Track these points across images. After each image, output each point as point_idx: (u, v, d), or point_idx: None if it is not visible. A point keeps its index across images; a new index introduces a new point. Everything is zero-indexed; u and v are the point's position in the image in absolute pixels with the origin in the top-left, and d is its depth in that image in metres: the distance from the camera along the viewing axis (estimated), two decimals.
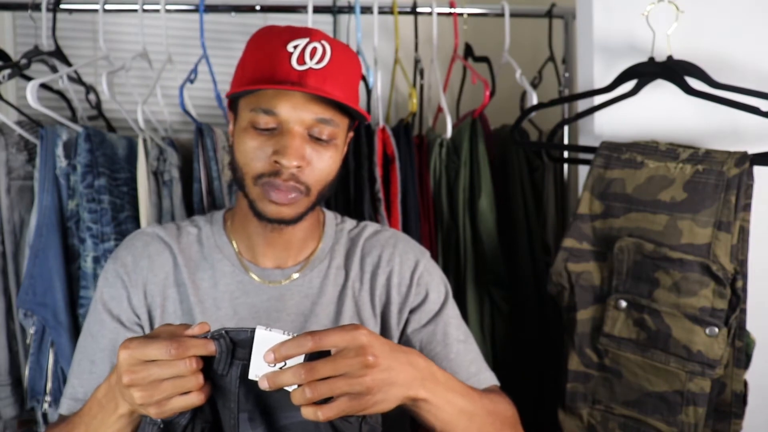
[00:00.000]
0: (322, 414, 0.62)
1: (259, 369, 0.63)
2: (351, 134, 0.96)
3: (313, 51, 0.83)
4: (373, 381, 0.64)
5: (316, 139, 0.86)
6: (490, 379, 0.96)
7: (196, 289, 0.92)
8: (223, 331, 0.64)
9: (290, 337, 0.63)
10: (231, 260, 0.94)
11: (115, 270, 0.93)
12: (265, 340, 0.64)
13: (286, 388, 0.63)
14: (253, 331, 0.64)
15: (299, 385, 0.62)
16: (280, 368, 0.63)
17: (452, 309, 0.99)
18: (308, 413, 0.62)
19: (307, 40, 0.84)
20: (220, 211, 1.01)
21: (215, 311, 0.91)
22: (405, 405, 0.72)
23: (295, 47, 0.83)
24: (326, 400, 0.63)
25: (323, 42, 0.85)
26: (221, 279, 0.93)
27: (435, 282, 0.99)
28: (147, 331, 0.92)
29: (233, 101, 0.91)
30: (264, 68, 0.84)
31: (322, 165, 0.86)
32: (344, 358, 0.63)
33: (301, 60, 0.83)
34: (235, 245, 0.96)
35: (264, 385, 0.62)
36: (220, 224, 0.98)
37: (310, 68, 0.83)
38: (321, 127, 0.85)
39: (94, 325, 0.92)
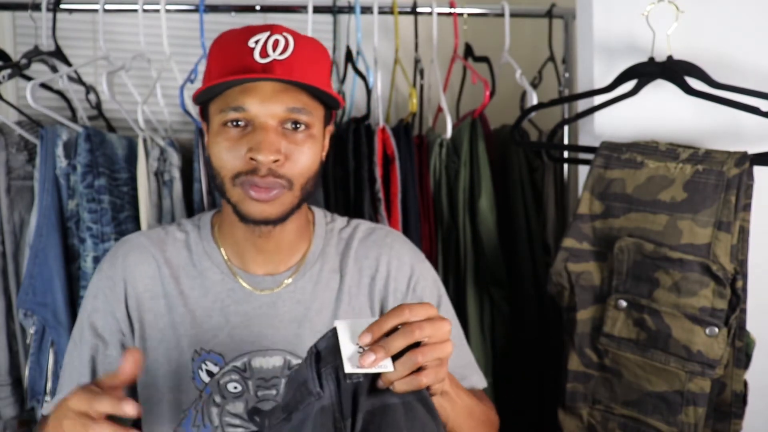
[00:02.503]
0: (426, 379, 0.63)
1: (352, 359, 0.62)
2: (331, 128, 0.93)
3: (276, 43, 0.81)
4: (450, 349, 0.65)
5: (291, 132, 0.83)
6: (479, 382, 0.98)
7: (185, 298, 0.90)
8: (312, 347, 0.65)
9: (373, 318, 0.64)
10: (220, 268, 0.92)
11: (99, 282, 0.92)
12: (347, 330, 0.63)
13: (379, 370, 0.62)
14: (333, 331, 0.64)
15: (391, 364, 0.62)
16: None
17: (445, 314, 0.97)
18: (411, 381, 0.62)
19: (267, 33, 0.81)
20: (208, 214, 0.98)
21: (207, 320, 0.89)
22: None
23: (257, 42, 0.81)
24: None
25: (285, 34, 0.82)
26: (211, 288, 0.91)
27: (429, 288, 0.97)
28: (131, 344, 0.91)
29: (205, 109, 0.88)
30: (227, 66, 0.81)
31: (302, 158, 0.83)
32: (438, 320, 0.64)
33: (263, 53, 0.80)
34: (223, 252, 0.93)
35: (370, 359, 0.60)
36: (208, 229, 0.95)
37: (274, 60, 0.80)
38: (294, 117, 0.82)
39: (78, 334, 0.92)
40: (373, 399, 0.63)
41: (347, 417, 0.63)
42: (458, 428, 0.82)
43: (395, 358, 0.62)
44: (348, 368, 0.61)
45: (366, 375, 0.63)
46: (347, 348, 0.62)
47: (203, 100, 0.86)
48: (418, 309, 0.64)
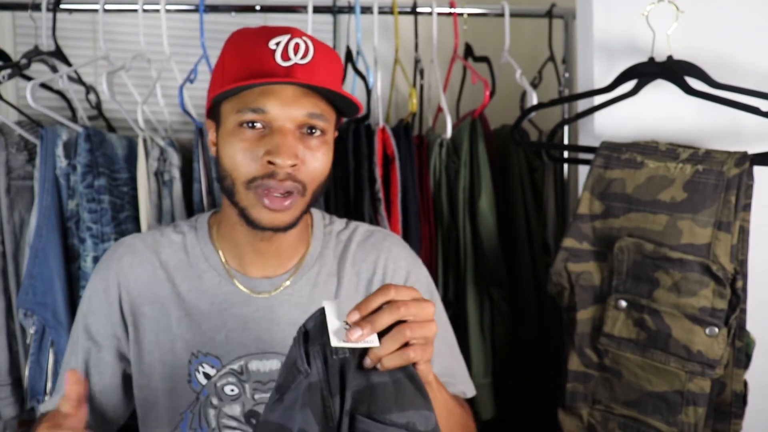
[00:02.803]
0: (413, 353, 0.63)
1: (338, 334, 0.63)
2: (336, 133, 0.93)
3: (297, 47, 0.80)
4: (435, 329, 0.66)
5: (307, 137, 0.82)
6: (467, 391, 0.98)
7: (182, 300, 0.89)
8: (301, 327, 0.66)
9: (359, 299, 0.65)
10: (218, 270, 0.91)
11: (94, 285, 0.92)
12: (335, 309, 0.65)
13: (365, 345, 0.62)
14: (321, 310, 0.65)
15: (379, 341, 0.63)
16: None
17: (437, 321, 0.97)
18: (399, 356, 0.63)
19: (288, 36, 0.80)
20: (205, 215, 0.96)
21: (204, 323, 0.89)
22: None
23: (278, 44, 0.80)
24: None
25: (305, 38, 0.81)
26: (208, 290, 0.90)
27: (422, 294, 0.97)
28: (126, 348, 0.91)
29: (213, 108, 0.86)
30: (248, 66, 0.80)
31: (317, 163, 0.83)
32: (423, 301, 0.65)
33: (285, 56, 0.79)
34: (221, 254, 0.92)
35: (356, 334, 0.61)
36: (206, 231, 0.93)
37: (296, 63, 0.79)
38: (312, 123, 0.81)
39: (74, 337, 0.92)
40: (360, 377, 0.64)
41: (335, 394, 0.63)
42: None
43: (382, 336, 0.63)
44: (334, 342, 0.62)
45: (353, 351, 0.64)
46: (334, 325, 0.63)
47: (217, 98, 0.84)
48: (404, 290, 0.65)
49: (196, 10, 1.35)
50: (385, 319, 0.62)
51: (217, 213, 0.96)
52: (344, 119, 1.53)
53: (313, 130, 0.82)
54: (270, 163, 0.79)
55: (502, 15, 1.41)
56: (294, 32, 0.81)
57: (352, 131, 1.32)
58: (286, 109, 0.80)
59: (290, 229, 0.86)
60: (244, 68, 0.80)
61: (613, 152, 1.05)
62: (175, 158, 1.27)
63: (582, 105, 1.20)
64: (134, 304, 0.90)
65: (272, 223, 0.82)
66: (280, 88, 0.80)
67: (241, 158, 0.81)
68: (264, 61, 0.79)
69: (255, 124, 0.81)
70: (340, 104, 0.85)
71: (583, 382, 1.06)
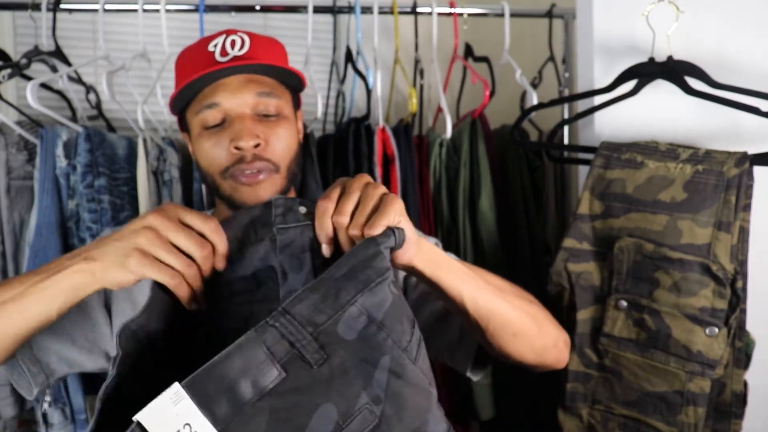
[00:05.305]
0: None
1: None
2: (301, 113, 0.99)
3: (233, 42, 0.88)
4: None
5: (264, 117, 0.88)
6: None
7: None
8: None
9: None
10: None
11: None
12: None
13: None
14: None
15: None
16: None
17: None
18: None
19: (224, 36, 0.88)
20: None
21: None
22: (422, 276, 0.74)
23: (215, 45, 0.88)
24: None
25: (240, 34, 0.89)
26: None
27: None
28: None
29: (182, 122, 0.94)
30: (193, 72, 0.87)
31: (281, 140, 0.88)
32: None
33: (223, 53, 0.87)
34: None
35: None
36: None
37: (234, 56, 0.87)
38: (264, 102, 0.88)
39: None
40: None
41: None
42: (483, 302, 0.78)
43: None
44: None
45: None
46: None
47: (180, 108, 0.92)
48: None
49: (196, 10, 1.35)
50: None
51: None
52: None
53: (269, 116, 0.88)
54: (237, 148, 0.85)
55: (502, 15, 1.41)
56: (230, 31, 0.90)
57: (352, 131, 1.32)
58: (236, 96, 0.86)
59: None
60: (190, 74, 0.87)
61: (613, 152, 1.05)
62: (174, 158, 1.28)
63: (582, 105, 1.20)
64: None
65: (255, 198, 0.87)
66: (227, 82, 0.87)
67: (212, 153, 0.87)
68: (205, 63, 0.86)
69: (215, 125, 0.87)
70: (289, 81, 0.92)
71: (583, 382, 1.06)
